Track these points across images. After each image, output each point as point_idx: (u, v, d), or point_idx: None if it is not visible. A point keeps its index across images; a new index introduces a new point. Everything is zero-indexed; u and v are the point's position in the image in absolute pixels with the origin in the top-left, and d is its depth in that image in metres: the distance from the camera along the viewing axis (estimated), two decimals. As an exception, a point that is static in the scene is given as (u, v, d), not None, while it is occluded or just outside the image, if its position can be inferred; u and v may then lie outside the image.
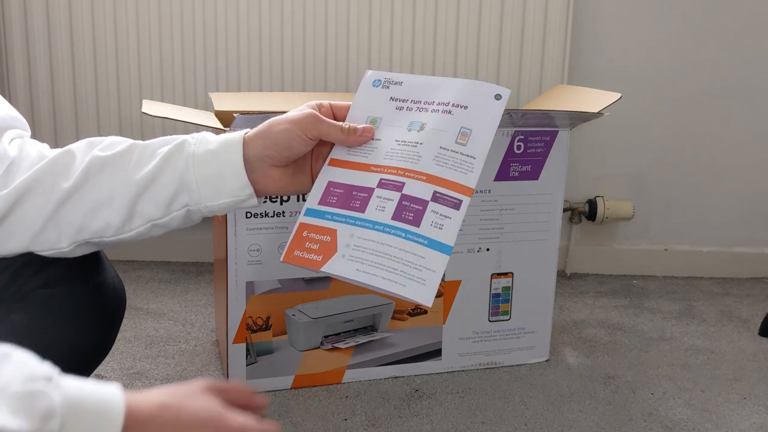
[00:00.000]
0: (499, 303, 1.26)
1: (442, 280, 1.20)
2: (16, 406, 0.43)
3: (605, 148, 1.76)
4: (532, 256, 1.26)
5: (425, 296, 0.65)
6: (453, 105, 0.73)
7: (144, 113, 1.14)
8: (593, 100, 1.23)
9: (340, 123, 0.75)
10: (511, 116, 1.15)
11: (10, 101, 1.64)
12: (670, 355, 1.36)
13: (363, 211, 0.69)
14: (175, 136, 0.73)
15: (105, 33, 1.61)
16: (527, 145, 1.20)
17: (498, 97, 0.74)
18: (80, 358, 0.76)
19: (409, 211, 0.68)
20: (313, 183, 0.75)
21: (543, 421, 1.12)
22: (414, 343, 1.24)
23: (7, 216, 0.70)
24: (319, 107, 0.75)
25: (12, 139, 0.74)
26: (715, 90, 1.72)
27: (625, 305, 1.61)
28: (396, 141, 0.73)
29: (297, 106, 0.74)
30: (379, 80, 0.76)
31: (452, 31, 1.64)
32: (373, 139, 0.73)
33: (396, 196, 0.69)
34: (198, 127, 1.67)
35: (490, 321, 1.27)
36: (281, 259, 0.69)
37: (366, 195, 0.70)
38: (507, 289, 1.26)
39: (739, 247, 1.80)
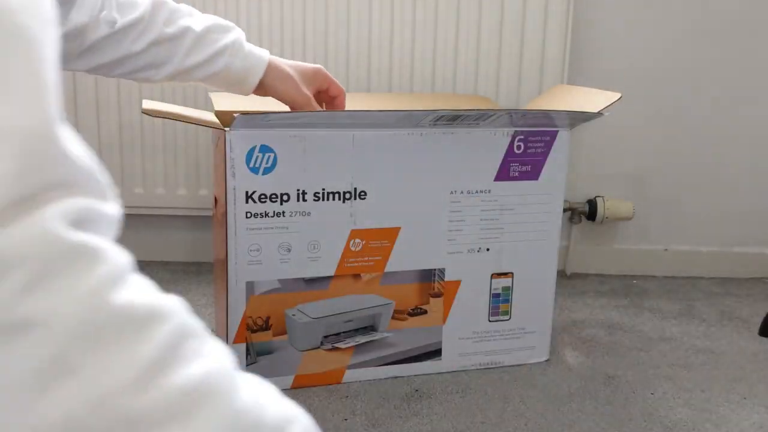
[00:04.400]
0: (499, 303, 1.26)
1: (442, 280, 1.22)
2: None
3: (605, 148, 1.76)
4: (532, 256, 1.26)
5: None
6: None
7: (144, 113, 1.13)
8: (593, 100, 1.23)
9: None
10: (511, 116, 1.15)
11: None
12: (670, 355, 1.36)
13: None
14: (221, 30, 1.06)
15: (105, 33, 1.61)
16: (527, 145, 1.20)
17: None
18: None
19: None
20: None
21: (543, 421, 1.12)
22: (414, 343, 1.24)
23: None
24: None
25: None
26: (715, 90, 1.72)
27: (625, 305, 1.61)
28: None
29: None
30: None
31: (452, 31, 1.64)
32: None
33: None
34: (198, 127, 1.66)
35: (490, 321, 1.27)
36: None
37: None
38: (507, 289, 1.26)
39: (739, 247, 1.80)
